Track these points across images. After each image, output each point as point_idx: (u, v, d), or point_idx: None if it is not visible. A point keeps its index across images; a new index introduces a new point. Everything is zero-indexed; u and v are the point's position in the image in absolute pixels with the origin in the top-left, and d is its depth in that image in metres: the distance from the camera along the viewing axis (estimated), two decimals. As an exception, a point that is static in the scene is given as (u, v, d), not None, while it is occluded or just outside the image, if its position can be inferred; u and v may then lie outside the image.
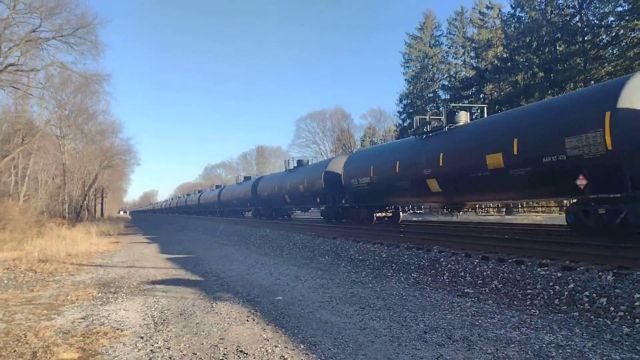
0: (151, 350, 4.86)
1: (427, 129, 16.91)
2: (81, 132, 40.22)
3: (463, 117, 16.05)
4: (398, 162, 17.59)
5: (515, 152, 12.29)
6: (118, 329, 5.74)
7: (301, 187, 27.50)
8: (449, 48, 49.68)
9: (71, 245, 16.54)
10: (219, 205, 51.32)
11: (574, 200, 11.69)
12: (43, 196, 35.49)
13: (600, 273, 6.66)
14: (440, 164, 15.09)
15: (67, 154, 39.33)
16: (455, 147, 14.93)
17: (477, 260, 8.87)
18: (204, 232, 28.16)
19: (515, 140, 12.34)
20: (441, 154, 15.13)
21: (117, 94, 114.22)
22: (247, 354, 4.62)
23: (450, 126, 15.90)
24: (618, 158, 9.95)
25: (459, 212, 25.84)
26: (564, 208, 12.18)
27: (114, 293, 8.28)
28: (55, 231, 22.09)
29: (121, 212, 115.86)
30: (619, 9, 30.08)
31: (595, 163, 10.35)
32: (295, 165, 31.15)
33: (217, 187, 60.33)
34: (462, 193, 15.38)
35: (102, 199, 67.77)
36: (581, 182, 10.55)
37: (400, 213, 22.19)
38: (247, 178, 47.18)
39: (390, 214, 21.61)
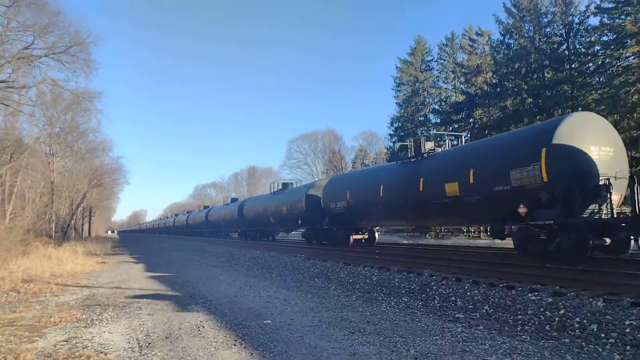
0: (135, 375, 4.72)
1: (410, 153, 18.04)
2: (71, 150, 39.95)
3: (429, 147, 17.19)
4: (381, 186, 18.59)
5: (471, 182, 13.50)
6: (102, 352, 5.59)
7: (284, 209, 28.52)
8: (440, 73, 50.44)
9: (57, 265, 16.25)
10: (207, 226, 51.81)
11: (518, 226, 12.56)
12: (30, 214, 35.01)
13: (591, 299, 6.66)
14: (421, 189, 15.93)
15: (55, 171, 38.95)
16: (426, 175, 15.97)
17: (467, 285, 8.83)
18: (192, 252, 27.83)
19: (472, 170, 13.54)
20: (421, 179, 16.11)
21: (109, 113, 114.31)
22: (234, 380, 4.50)
23: (429, 153, 16.99)
24: (552, 189, 11.11)
25: (426, 235, 27.24)
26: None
27: (99, 315, 8.10)
28: (41, 250, 21.71)
29: (109, 232, 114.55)
30: (605, 38, 30.88)
31: (533, 193, 11.53)
32: (280, 187, 32.19)
33: (205, 207, 60.87)
34: (427, 217, 16.66)
35: (90, 218, 67.03)
36: (522, 210, 11.73)
37: (376, 235, 23.29)
38: (234, 200, 48.43)
39: (367, 236, 22.66)
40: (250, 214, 36.25)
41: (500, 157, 12.96)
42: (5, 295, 10.38)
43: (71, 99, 32.41)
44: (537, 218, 11.48)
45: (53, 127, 36.08)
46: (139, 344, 6.04)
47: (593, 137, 11.56)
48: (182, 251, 30.16)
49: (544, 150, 11.21)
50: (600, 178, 10.99)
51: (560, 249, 11.07)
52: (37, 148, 34.99)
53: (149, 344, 6.02)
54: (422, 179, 15.87)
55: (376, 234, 23.11)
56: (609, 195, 10.65)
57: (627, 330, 5.53)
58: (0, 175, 28.48)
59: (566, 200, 10.84)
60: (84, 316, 7.97)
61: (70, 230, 46.77)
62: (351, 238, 21.98)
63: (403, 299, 9.06)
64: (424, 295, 8.99)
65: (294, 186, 32.05)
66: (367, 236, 22.63)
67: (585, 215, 10.88)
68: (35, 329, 6.97)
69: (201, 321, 7.43)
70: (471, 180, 13.42)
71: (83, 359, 5.28)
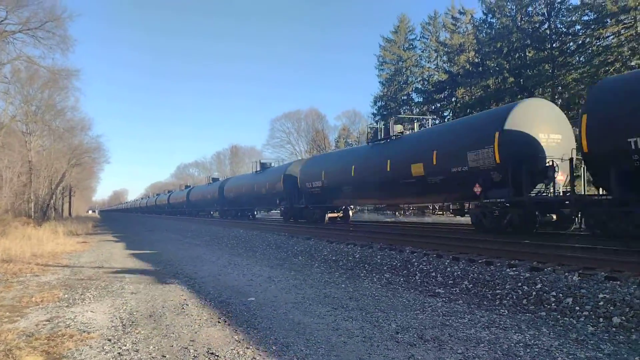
0: (119, 353, 4.74)
1: (380, 136, 18.96)
2: (48, 129, 39.05)
3: (397, 130, 18.09)
4: (353, 166, 19.65)
5: (434, 163, 14.38)
6: (85, 332, 5.59)
7: (263, 189, 29.47)
8: (423, 52, 50.31)
9: (37, 245, 16.04)
10: (188, 206, 52.31)
11: (475, 204, 13.82)
12: (8, 194, 34.28)
13: (567, 273, 6.85)
14: (388, 169, 16.97)
15: (33, 151, 38.10)
16: (394, 156, 16.87)
17: (448, 261, 9.00)
18: (175, 232, 27.73)
19: (435, 152, 14.41)
20: (389, 160, 17.08)
21: (87, 91, 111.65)
22: (217, 356, 4.56)
23: (398, 135, 17.91)
24: (503, 170, 12.02)
25: (397, 214, 28.93)
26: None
27: (81, 294, 8.06)
28: (20, 231, 21.38)
29: (90, 212, 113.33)
30: (586, 17, 31.03)
31: (488, 173, 12.51)
32: (260, 168, 32.73)
33: (187, 187, 61.15)
34: (395, 196, 17.78)
35: (70, 198, 66.07)
36: (477, 189, 12.74)
37: (350, 213, 24.90)
38: (215, 179, 48.90)
39: (341, 214, 24.12)
40: (231, 193, 37.00)
41: (459, 140, 13.82)
42: (-15, 275, 10.25)
43: (48, 77, 31.62)
44: (491, 196, 12.58)
45: (29, 105, 35.17)
46: (122, 322, 6.04)
47: (543, 123, 12.44)
48: (164, 230, 30.03)
49: (497, 134, 12.13)
50: (547, 160, 11.93)
51: (511, 224, 12.22)
52: (13, 127, 34.12)
53: (133, 322, 6.03)
54: (389, 160, 16.92)
55: (350, 212, 24.58)
56: (555, 175, 11.68)
57: (601, 303, 5.71)
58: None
59: (515, 180, 11.79)
60: (65, 296, 7.93)
61: (50, 210, 46.06)
62: (326, 216, 23.23)
63: (385, 275, 9.21)
64: (405, 272, 9.14)
65: (273, 166, 32.82)
66: (341, 214, 23.97)
67: (532, 194, 11.91)
68: (16, 309, 6.92)
69: (185, 299, 7.45)
70: (434, 162, 14.33)
71: (66, 339, 5.26)
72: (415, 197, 17.21)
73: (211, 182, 48.02)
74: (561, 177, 12.16)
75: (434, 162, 14.27)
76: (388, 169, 16.82)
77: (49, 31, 25.87)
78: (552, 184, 11.88)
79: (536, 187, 12.16)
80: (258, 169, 32.67)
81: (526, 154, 11.96)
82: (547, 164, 11.87)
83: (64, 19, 26.71)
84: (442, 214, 18.38)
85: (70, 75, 31.05)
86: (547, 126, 12.49)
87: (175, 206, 59.85)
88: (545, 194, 12.11)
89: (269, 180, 28.74)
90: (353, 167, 19.40)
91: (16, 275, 10.41)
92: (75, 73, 31.71)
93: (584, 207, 10.80)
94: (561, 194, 11.95)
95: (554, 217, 11.93)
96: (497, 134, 12.11)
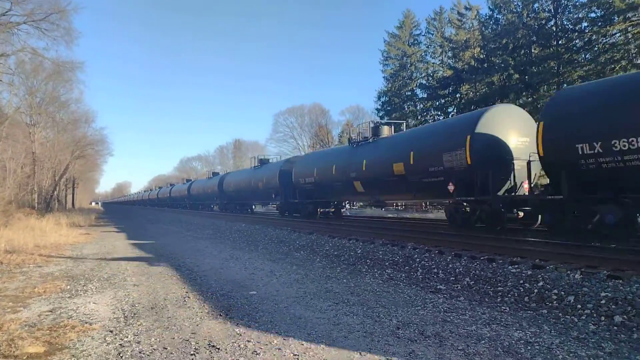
0: (120, 344, 4.76)
1: (358, 139, 20.27)
2: (52, 121, 39.16)
3: (386, 131, 19.32)
4: (334, 165, 20.83)
5: (411, 162, 15.29)
6: (87, 323, 5.62)
7: (260, 184, 30.24)
8: (427, 47, 50.11)
9: (40, 237, 16.13)
10: (189, 199, 52.83)
11: (449, 201, 15.01)
12: (11, 185, 34.37)
13: (569, 272, 6.83)
14: (363, 169, 18.34)
15: (37, 142, 38.22)
16: (375, 156, 17.96)
17: (450, 257, 8.99)
18: (177, 225, 27.80)
19: (412, 152, 15.34)
20: (364, 160, 18.36)
21: (92, 84, 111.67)
22: (218, 348, 4.57)
23: (374, 138, 18.98)
24: (474, 171, 12.79)
25: (381, 209, 29.82)
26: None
27: (84, 285, 8.10)
28: (24, 222, 21.49)
29: (93, 204, 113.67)
30: (592, 15, 30.82)
31: (460, 174, 13.28)
32: (258, 163, 33.48)
33: (187, 181, 61.75)
34: (379, 193, 18.69)
35: (73, 190, 66.26)
36: (451, 187, 13.57)
37: (347, 207, 26.32)
38: (215, 174, 49.57)
39: (333, 209, 25.13)
40: (230, 187, 37.74)
41: (435, 142, 14.72)
42: (-12, 266, 10.30)
43: (52, 69, 31.62)
44: (463, 194, 13.41)
45: (33, 97, 35.26)
46: (124, 314, 6.07)
47: (512, 128, 13.19)
48: (167, 223, 30.11)
49: (468, 137, 12.90)
50: (516, 162, 12.82)
51: (481, 219, 13.39)
52: (17, 118, 34.17)
53: (135, 314, 6.05)
54: (365, 160, 18.30)
55: (347, 206, 25.93)
56: (523, 176, 12.58)
57: (603, 302, 5.70)
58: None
59: (483, 180, 12.61)
60: (68, 287, 7.96)
61: (54, 201, 46.22)
62: (318, 211, 24.40)
63: (387, 270, 9.21)
64: (407, 267, 9.13)
65: (272, 162, 33.63)
66: (333, 209, 25.01)
67: (499, 193, 12.78)
68: (19, 300, 6.96)
69: (187, 292, 7.48)
70: (411, 162, 15.28)
71: (68, 329, 5.29)
72: (398, 194, 18.30)
73: (212, 176, 48.80)
74: (525, 178, 12.95)
75: (411, 162, 15.28)
76: (364, 169, 18.25)
77: (54, 23, 25.84)
78: (517, 184, 12.83)
79: (504, 186, 12.94)
80: (257, 165, 33.37)
81: (495, 155, 12.76)
82: (513, 165, 12.84)
83: (69, 11, 26.65)
84: (428, 210, 19.10)
85: (74, 68, 31.07)
86: (516, 129, 13.24)
87: (177, 199, 60.28)
88: (513, 192, 12.81)
89: (266, 176, 29.55)
90: (334, 166, 20.83)
91: (19, 266, 10.47)
92: (79, 65, 31.73)
93: (542, 205, 11.64)
94: (526, 193, 12.72)
95: (520, 214, 12.77)
96: (468, 137, 12.88)
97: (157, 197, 77.05)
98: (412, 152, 15.33)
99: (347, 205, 25.76)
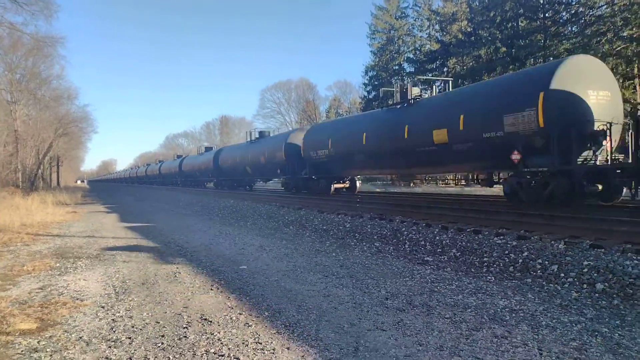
0: (112, 319, 4.80)
1: (391, 102, 17.56)
2: (34, 98, 38.32)
3: (415, 93, 16.55)
4: (365, 133, 18.12)
5: (461, 128, 13.10)
6: (78, 299, 5.64)
7: (262, 158, 28.01)
8: (415, 21, 49.62)
9: (26, 215, 15.97)
10: (180, 176, 51.03)
11: (510, 174, 12.79)
12: (-6, 164, 33.92)
13: (553, 242, 6.99)
14: (406, 136, 15.55)
15: (19, 120, 37.51)
16: (414, 122, 15.49)
17: (437, 230, 9.13)
18: (166, 202, 27.69)
19: (462, 116, 13.11)
20: (406, 126, 15.54)
21: (73, 59, 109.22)
22: (211, 321, 4.64)
23: (417, 98, 16.31)
24: (548, 135, 10.84)
25: (411, 184, 27.34)
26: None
27: (73, 263, 8.09)
28: (8, 200, 21.25)
29: (78, 182, 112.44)
30: (579, -14, 30.69)
31: (529, 139, 11.28)
32: (257, 136, 31.35)
33: (179, 157, 59.62)
34: (412, 166, 16.43)
35: (58, 168, 65.45)
36: (515, 156, 11.51)
37: (357, 184, 23.32)
38: (208, 149, 46.93)
39: (348, 185, 22.75)
40: (226, 163, 35.62)
41: (493, 102, 12.51)
42: (-26, 245, 10.22)
43: (31, 44, 30.87)
44: (531, 165, 11.41)
45: (13, 74, 34.50)
46: (115, 290, 6.10)
47: (591, 81, 11.16)
48: (155, 201, 29.97)
49: (541, 94, 10.85)
50: (597, 124, 10.71)
51: (554, 196, 11.01)
52: (-3, 95, 33.49)
53: (126, 290, 6.08)
54: (407, 126, 15.50)
55: (357, 183, 23.30)
56: (605, 141, 10.48)
57: (585, 270, 5.86)
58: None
59: (562, 146, 10.62)
60: (57, 264, 7.95)
61: (38, 180, 45.70)
62: (332, 187, 22.05)
63: (375, 244, 9.33)
64: (395, 240, 9.26)
65: (271, 135, 31.32)
66: (348, 185, 22.77)
67: (579, 162, 10.76)
68: (8, 278, 6.94)
69: (177, 268, 7.52)
70: (461, 127, 13.05)
71: (59, 306, 5.31)
72: (434, 167, 16.14)
73: (204, 151, 46.15)
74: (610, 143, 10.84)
75: (461, 128, 13.01)
76: (405, 136, 15.43)
77: (31, -4, 25.07)
78: (601, 150, 10.73)
79: (582, 153, 10.88)
80: (254, 138, 31.10)
81: (575, 116, 10.73)
82: (597, 129, 10.63)
83: (47, -17, 25.87)
84: (454, 185, 17.38)
85: (54, 43, 30.30)
86: (596, 82, 11.21)
87: (167, 176, 58.67)
88: (592, 161, 10.86)
89: (268, 149, 27.45)
90: (364, 134, 18.00)
91: (6, 244, 10.40)
92: (59, 40, 30.95)
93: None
94: (609, 162, 10.53)
95: (600, 187, 10.71)
96: (541, 94, 10.81)
97: (145, 174, 75.72)
98: (461, 116, 13.06)
99: (358, 183, 23.57)
